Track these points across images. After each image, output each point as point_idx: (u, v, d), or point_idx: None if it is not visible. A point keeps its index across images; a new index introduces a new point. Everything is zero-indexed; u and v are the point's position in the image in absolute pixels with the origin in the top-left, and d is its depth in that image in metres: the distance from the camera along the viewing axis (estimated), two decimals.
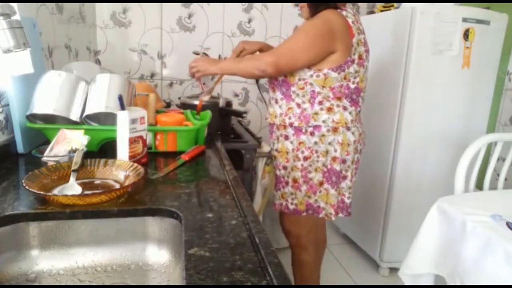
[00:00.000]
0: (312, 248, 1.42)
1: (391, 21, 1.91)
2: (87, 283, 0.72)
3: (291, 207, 1.33)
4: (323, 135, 1.25)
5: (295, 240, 1.42)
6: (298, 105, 1.26)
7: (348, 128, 1.25)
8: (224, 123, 1.65)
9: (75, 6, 1.79)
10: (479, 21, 1.80)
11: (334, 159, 1.26)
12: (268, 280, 0.53)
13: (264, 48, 1.49)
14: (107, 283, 0.73)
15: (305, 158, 1.27)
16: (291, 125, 1.27)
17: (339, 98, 1.23)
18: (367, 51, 1.26)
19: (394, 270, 1.96)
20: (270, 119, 1.37)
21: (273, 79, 1.31)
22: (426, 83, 1.82)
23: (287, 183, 1.32)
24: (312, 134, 1.25)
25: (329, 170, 1.27)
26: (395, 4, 2.05)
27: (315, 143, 1.25)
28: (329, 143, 1.25)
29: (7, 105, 1.08)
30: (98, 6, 2.13)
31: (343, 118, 1.23)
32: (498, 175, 1.59)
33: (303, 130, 1.26)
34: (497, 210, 1.18)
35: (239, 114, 1.64)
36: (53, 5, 1.48)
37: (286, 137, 1.30)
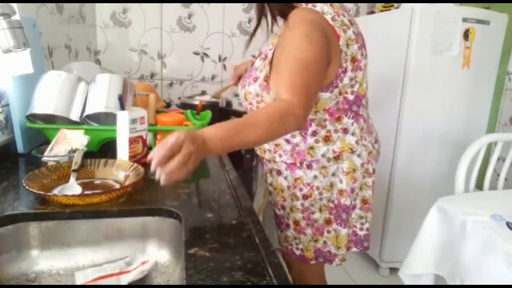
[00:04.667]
0: (316, 282, 1.21)
1: (391, 21, 1.91)
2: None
3: (297, 252, 1.09)
4: (324, 167, 1.00)
5: (296, 275, 1.21)
6: (287, 141, 1.01)
7: (353, 152, 1.01)
8: None
9: (75, 6, 1.79)
10: (479, 21, 1.80)
11: (341, 192, 1.02)
12: (268, 280, 0.53)
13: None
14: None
15: (305, 197, 1.03)
16: (283, 162, 1.04)
17: (338, 119, 0.97)
18: (361, 46, 0.95)
19: (394, 270, 1.96)
20: (259, 151, 1.13)
21: (249, 106, 1.03)
22: (426, 83, 1.82)
23: (288, 225, 1.09)
24: (309, 167, 1.01)
25: (336, 206, 1.03)
26: (395, 4, 2.05)
27: (315, 177, 1.01)
28: (333, 174, 1.01)
29: (7, 105, 1.08)
30: (98, 6, 2.13)
31: (345, 144, 0.99)
32: (498, 175, 1.59)
33: (298, 165, 1.02)
34: (497, 210, 1.18)
35: (239, 114, 1.64)
36: (53, 5, 1.48)
37: (279, 172, 1.06)
